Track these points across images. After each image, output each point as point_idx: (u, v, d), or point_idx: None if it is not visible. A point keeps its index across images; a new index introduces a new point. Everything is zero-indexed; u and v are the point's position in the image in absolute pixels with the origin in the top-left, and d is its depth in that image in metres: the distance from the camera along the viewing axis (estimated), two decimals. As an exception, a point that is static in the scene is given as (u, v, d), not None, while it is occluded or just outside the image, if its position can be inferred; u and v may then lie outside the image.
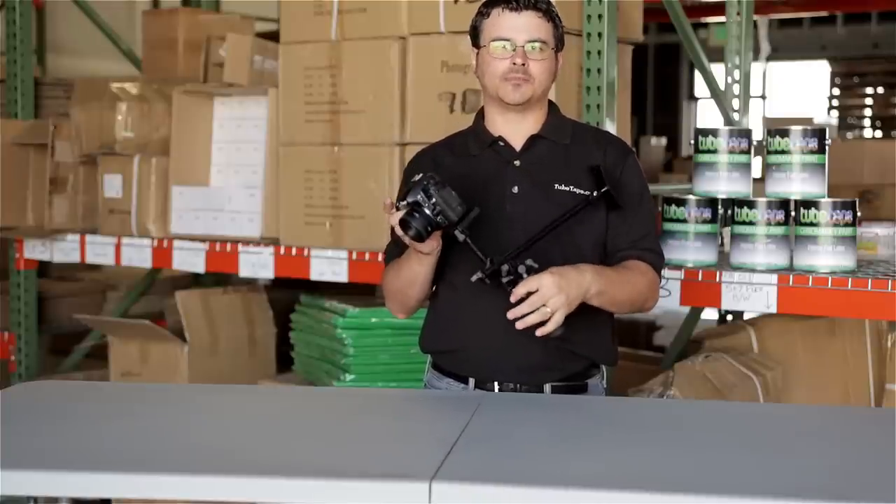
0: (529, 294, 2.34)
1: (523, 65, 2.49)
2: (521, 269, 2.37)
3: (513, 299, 2.36)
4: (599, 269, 2.46)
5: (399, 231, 2.40)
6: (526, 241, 2.43)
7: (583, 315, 2.51)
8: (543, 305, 2.33)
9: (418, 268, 2.50)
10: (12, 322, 4.72)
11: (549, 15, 2.53)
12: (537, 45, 2.50)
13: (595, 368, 2.64)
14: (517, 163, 2.57)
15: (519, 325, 2.35)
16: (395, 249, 2.60)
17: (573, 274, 2.37)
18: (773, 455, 2.07)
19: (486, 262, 2.39)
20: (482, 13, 2.56)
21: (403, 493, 1.89)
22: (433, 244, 2.44)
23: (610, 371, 2.77)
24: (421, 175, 2.39)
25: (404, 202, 2.38)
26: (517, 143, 2.59)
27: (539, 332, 2.36)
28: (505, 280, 2.38)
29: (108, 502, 2.95)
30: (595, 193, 2.48)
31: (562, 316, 2.34)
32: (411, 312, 2.66)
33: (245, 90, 4.05)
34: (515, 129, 2.59)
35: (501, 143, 2.59)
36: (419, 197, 2.36)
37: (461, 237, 2.41)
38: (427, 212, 2.36)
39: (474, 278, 2.39)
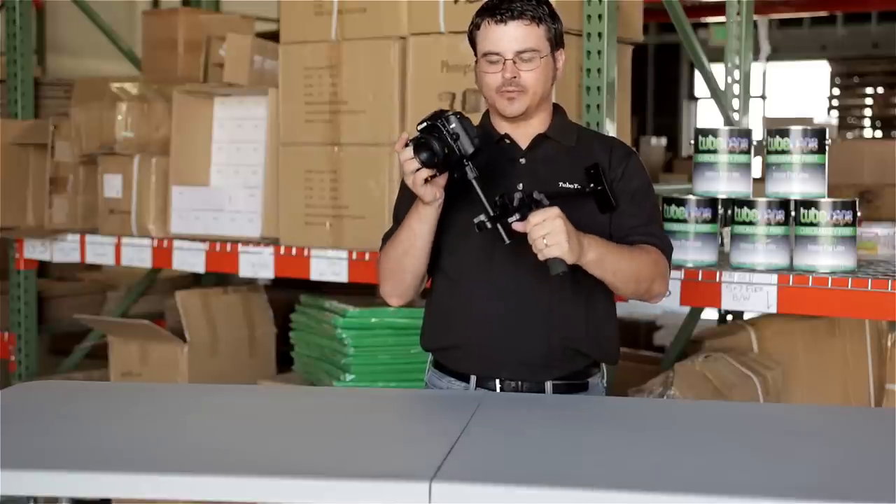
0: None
1: (514, 77, 2.48)
2: (537, 195, 2.30)
3: (521, 228, 2.29)
4: (599, 238, 2.41)
5: (409, 167, 2.34)
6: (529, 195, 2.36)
7: (586, 313, 2.51)
8: (542, 238, 2.27)
9: (418, 226, 2.46)
10: (12, 322, 4.72)
11: (539, 19, 2.49)
12: (527, 55, 2.48)
13: (595, 367, 2.64)
14: (523, 160, 2.57)
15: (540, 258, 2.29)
16: (395, 228, 2.57)
17: (575, 231, 2.33)
18: (774, 455, 2.07)
19: (496, 203, 2.30)
20: (475, 24, 2.54)
21: (403, 493, 1.89)
22: (435, 192, 2.40)
23: (610, 370, 2.77)
24: (441, 109, 2.36)
25: (422, 125, 2.34)
26: (523, 141, 2.59)
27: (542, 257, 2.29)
28: (512, 219, 2.28)
29: (108, 502, 2.95)
30: (592, 186, 2.43)
31: (556, 253, 2.28)
32: (406, 294, 2.60)
33: (245, 90, 4.05)
34: (521, 131, 2.59)
35: (507, 141, 2.59)
36: (438, 122, 2.33)
37: (471, 174, 2.34)
38: (445, 135, 2.32)
39: (476, 220, 2.31)
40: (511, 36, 2.47)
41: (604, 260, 2.39)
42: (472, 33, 2.55)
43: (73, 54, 8.54)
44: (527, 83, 2.49)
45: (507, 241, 2.31)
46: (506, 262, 2.48)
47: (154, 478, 1.94)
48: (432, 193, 2.41)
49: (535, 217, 2.29)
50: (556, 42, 2.55)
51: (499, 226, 2.30)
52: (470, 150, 2.34)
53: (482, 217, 2.31)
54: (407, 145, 2.37)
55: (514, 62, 2.47)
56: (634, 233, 2.54)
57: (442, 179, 2.40)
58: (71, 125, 4.46)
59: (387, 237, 2.62)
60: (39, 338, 4.90)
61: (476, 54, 2.55)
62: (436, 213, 2.45)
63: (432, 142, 2.33)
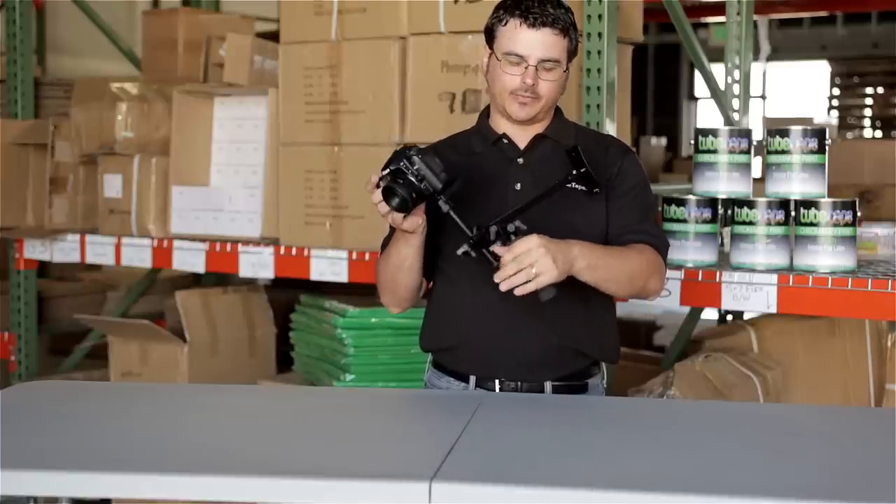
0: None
1: (533, 85, 2.47)
2: (511, 227, 2.28)
3: (501, 261, 2.27)
4: (589, 244, 2.40)
5: (382, 210, 2.34)
6: (510, 212, 2.35)
7: (586, 313, 2.51)
8: (531, 267, 2.25)
9: (406, 250, 2.47)
10: (12, 322, 4.72)
11: (566, 31, 2.49)
12: (550, 64, 2.48)
13: (596, 367, 2.64)
14: (520, 161, 2.57)
15: (503, 287, 2.27)
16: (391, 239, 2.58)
17: (560, 244, 2.32)
18: (774, 455, 2.07)
19: (471, 235, 2.30)
20: (499, 17, 2.51)
21: (403, 493, 1.89)
22: (416, 221, 2.40)
23: (610, 370, 2.76)
24: (403, 145, 2.34)
25: (386, 171, 2.32)
26: (521, 141, 2.59)
27: (519, 291, 2.27)
28: (493, 247, 2.28)
29: (108, 502, 2.95)
30: (574, 172, 2.41)
31: (548, 280, 2.27)
32: (404, 304, 2.62)
33: (245, 90, 4.05)
34: (520, 130, 2.59)
35: (505, 141, 2.59)
36: (402, 164, 2.31)
37: (445, 207, 2.34)
38: (410, 178, 2.30)
39: (460, 251, 2.30)
40: (540, 42, 2.46)
41: (595, 266, 2.38)
42: (494, 26, 2.52)
43: (73, 54, 8.54)
44: (543, 92, 2.49)
45: (496, 266, 2.29)
46: None
47: (154, 478, 1.94)
48: (412, 225, 2.40)
49: (518, 248, 2.26)
50: (572, 54, 2.55)
51: (484, 252, 2.29)
52: (438, 186, 2.32)
53: (465, 247, 2.30)
54: (378, 186, 2.35)
55: (536, 69, 2.47)
56: (629, 231, 2.53)
57: (419, 210, 2.39)
58: (71, 125, 4.46)
59: (385, 243, 2.62)
60: (39, 338, 4.90)
61: (491, 47, 2.53)
62: (420, 238, 2.46)
63: (399, 188, 2.31)
